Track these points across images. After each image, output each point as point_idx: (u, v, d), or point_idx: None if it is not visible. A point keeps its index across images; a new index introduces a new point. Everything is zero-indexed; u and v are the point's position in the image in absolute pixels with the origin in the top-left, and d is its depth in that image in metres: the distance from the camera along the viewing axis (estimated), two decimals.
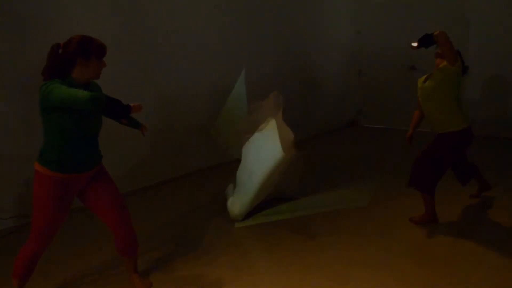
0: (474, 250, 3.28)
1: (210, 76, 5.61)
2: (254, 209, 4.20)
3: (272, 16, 6.48)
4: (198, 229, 3.94)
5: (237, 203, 4.02)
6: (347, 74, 8.05)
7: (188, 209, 4.45)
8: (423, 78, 3.77)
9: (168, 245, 3.63)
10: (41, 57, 4.04)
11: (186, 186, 5.22)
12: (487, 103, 6.69)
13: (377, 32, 7.84)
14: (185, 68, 5.35)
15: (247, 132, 4.26)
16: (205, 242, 3.66)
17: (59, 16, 4.22)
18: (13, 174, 4.07)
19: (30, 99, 4.08)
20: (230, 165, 5.14)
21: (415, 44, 3.61)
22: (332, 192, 4.70)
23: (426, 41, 3.51)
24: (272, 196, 4.42)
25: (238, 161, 4.31)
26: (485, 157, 5.65)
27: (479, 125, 6.07)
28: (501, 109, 6.63)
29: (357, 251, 3.36)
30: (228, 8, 5.83)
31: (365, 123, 8.28)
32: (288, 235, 3.69)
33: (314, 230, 3.80)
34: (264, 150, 4.04)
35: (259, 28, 6.29)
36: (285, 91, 6.70)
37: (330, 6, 7.58)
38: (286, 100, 6.64)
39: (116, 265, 3.28)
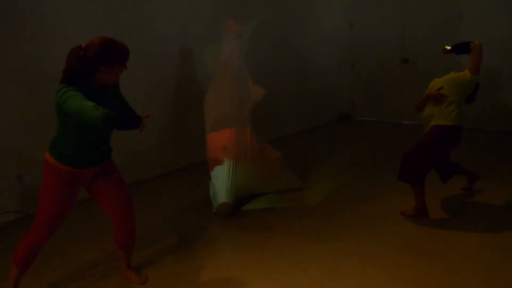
0: (464, 243, 3.33)
1: (196, 66, 5.57)
2: (246, 202, 4.26)
3: (264, 8, 6.45)
4: (192, 224, 3.96)
5: (220, 198, 4.07)
6: (340, 67, 8.06)
7: (183, 203, 4.46)
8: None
9: (163, 239, 3.64)
10: (35, 51, 4.07)
11: (179, 180, 5.23)
12: (480, 97, 6.73)
13: (370, 25, 7.83)
14: (176, 59, 5.33)
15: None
16: (199, 236, 3.68)
17: (50, 6, 4.19)
18: (5, 170, 4.05)
19: (23, 95, 4.07)
20: None
21: (448, 48, 3.85)
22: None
23: (461, 48, 3.76)
24: (269, 189, 4.47)
25: None
26: (476, 150, 5.72)
27: (471, 119, 6.13)
28: (492, 103, 6.68)
29: (348, 244, 3.40)
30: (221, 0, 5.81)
31: (357, 116, 8.31)
32: (279, 229, 3.72)
33: (305, 224, 3.82)
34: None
35: (251, 20, 6.26)
36: (277, 84, 6.75)
37: None
38: (279, 93, 6.70)
39: (106, 262, 3.29)
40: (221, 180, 4.11)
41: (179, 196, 4.67)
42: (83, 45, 2.45)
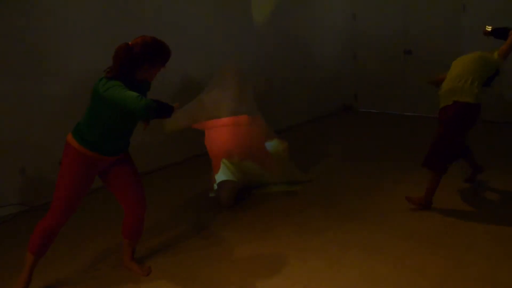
0: (467, 234, 3.32)
1: (197, 58, 5.54)
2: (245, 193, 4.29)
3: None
4: (195, 215, 3.97)
5: (224, 190, 4.06)
6: (342, 58, 8.01)
7: (185, 195, 4.46)
8: None
9: (165, 231, 3.65)
10: (37, 45, 4.06)
11: (182, 172, 5.23)
12: (482, 88, 6.69)
13: (373, 16, 7.77)
14: (181, 51, 5.28)
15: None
16: (201, 228, 3.69)
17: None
18: (8, 162, 4.05)
19: (25, 88, 4.06)
20: None
21: (489, 29, 3.92)
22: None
23: (501, 33, 3.82)
24: (270, 181, 4.44)
25: None
26: (480, 141, 5.68)
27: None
28: (495, 93, 6.63)
29: (351, 235, 3.40)
30: None
31: (360, 107, 8.28)
32: (281, 221, 3.72)
33: (307, 215, 3.82)
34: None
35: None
36: (279, 75, 6.72)
37: None
38: (281, 84, 6.67)
39: (110, 255, 3.30)
40: (225, 174, 4.12)
41: (182, 187, 4.67)
42: (130, 43, 2.57)
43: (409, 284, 2.74)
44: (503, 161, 4.92)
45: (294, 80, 7.01)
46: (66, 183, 2.65)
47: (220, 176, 4.10)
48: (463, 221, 3.52)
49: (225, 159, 4.16)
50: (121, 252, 3.10)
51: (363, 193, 4.22)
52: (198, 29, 5.48)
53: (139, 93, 2.55)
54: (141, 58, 2.56)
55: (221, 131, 4.19)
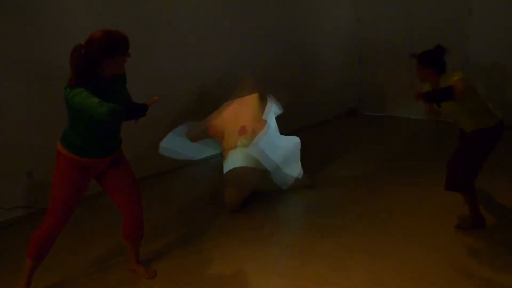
0: (473, 239, 3.31)
1: (203, 62, 5.57)
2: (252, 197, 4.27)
3: (271, 3, 6.44)
4: (199, 219, 3.99)
5: (231, 192, 4.07)
6: (347, 61, 8.01)
7: (189, 198, 4.49)
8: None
9: (170, 234, 3.68)
10: (43, 49, 4.10)
11: (186, 176, 5.25)
12: (487, 92, 6.66)
13: (377, 19, 7.77)
14: (179, 56, 5.33)
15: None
16: (206, 231, 3.70)
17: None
18: (16, 166, 4.09)
19: (32, 91, 4.11)
20: None
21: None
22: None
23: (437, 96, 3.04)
24: (277, 186, 4.42)
25: None
26: None
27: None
28: (501, 98, 6.61)
29: (355, 238, 3.40)
30: None
31: (365, 111, 8.27)
32: (285, 224, 3.74)
33: (312, 218, 3.83)
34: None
35: (257, 15, 6.25)
36: (284, 79, 6.73)
37: None
38: (285, 88, 6.67)
39: (113, 257, 3.33)
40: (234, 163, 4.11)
41: (186, 191, 4.69)
42: (83, 43, 2.47)
43: None
44: (507, 165, 4.89)
45: (298, 85, 7.02)
46: (60, 190, 2.65)
47: (229, 163, 4.09)
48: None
49: (240, 136, 4.13)
50: (125, 254, 3.13)
51: (368, 197, 4.22)
52: (199, 33, 5.50)
53: (110, 92, 2.50)
54: (98, 55, 2.42)
55: (233, 111, 4.22)
